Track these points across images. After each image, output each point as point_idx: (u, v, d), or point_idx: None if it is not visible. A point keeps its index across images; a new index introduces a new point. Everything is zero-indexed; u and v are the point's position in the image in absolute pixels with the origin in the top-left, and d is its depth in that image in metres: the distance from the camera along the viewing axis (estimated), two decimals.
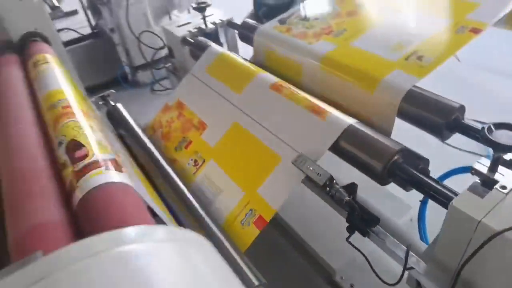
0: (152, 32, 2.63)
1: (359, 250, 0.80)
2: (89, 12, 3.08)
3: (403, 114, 0.86)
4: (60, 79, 0.82)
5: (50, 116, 0.68)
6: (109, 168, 0.53)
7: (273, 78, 0.99)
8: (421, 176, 0.69)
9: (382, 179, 0.73)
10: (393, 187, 1.36)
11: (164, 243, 0.30)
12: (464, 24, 0.94)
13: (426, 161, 0.75)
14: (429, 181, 0.68)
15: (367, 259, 0.79)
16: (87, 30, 3.05)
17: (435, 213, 0.83)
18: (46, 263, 0.30)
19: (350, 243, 0.77)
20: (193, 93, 1.16)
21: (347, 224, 0.78)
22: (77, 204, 0.48)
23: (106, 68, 2.78)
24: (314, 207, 1.19)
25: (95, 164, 0.53)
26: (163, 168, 0.93)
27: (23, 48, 1.07)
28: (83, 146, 0.56)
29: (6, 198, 0.53)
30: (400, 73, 0.86)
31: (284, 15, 1.24)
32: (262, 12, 1.65)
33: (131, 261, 0.29)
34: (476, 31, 0.89)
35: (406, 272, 0.70)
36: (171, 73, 1.58)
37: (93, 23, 3.06)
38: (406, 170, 0.70)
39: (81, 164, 0.53)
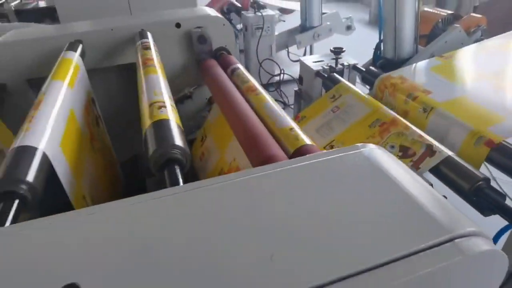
0: (272, 60, 3.13)
1: None
2: None
3: (491, 161, 1.13)
4: (250, 76, 1.25)
5: (253, 97, 1.10)
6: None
7: None
8: (501, 200, 0.97)
9: (467, 197, 1.01)
10: None
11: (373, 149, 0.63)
12: (483, 134, 1.07)
13: (503, 197, 1.02)
14: (508, 204, 0.95)
15: None
16: None
17: None
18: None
19: None
20: None
21: None
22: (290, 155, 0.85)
23: None
24: None
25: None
26: None
27: (216, 56, 1.54)
28: None
29: (244, 143, 0.92)
30: None
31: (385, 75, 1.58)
32: (380, 64, 2.01)
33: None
34: (490, 144, 1.05)
35: None
36: (298, 95, 1.98)
37: None
38: (489, 194, 0.98)
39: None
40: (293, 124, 0.94)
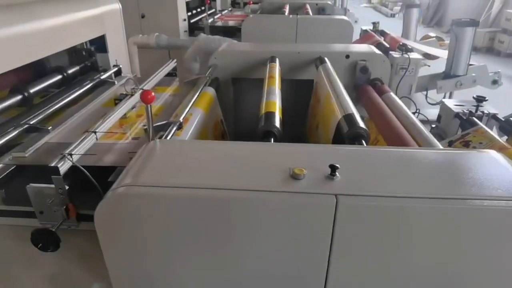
0: (410, 98, 3.35)
1: None
2: None
3: None
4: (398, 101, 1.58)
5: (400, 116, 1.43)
6: None
7: None
8: None
9: None
10: None
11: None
12: None
13: None
14: None
15: None
16: None
17: None
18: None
19: None
20: None
21: None
22: None
23: None
24: None
25: None
26: None
27: (371, 84, 1.91)
28: None
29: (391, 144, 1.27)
30: None
31: None
32: None
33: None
34: None
35: None
36: (433, 132, 2.22)
37: None
38: None
39: None
40: (428, 134, 1.25)
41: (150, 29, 3.17)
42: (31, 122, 1.33)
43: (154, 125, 1.24)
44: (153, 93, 0.91)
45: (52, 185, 0.97)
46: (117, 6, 2.05)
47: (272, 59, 1.81)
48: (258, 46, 2.11)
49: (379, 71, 1.94)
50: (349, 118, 1.10)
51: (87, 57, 1.97)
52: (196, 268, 0.76)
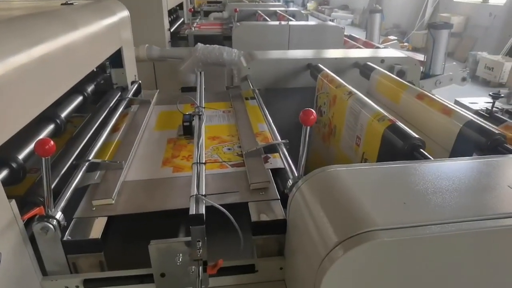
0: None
1: None
2: None
3: None
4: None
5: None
6: None
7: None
8: None
9: None
10: None
11: None
12: None
13: None
14: None
15: None
16: None
17: None
18: None
19: None
20: None
21: None
22: None
23: None
24: None
25: None
26: None
27: None
28: None
29: None
30: None
31: None
32: None
33: None
34: None
35: None
36: None
37: None
38: None
39: None
40: None
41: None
42: (90, 158, 1.08)
43: (263, 146, 1.09)
44: (313, 113, 0.77)
45: (183, 239, 0.77)
46: (127, 13, 1.81)
47: (316, 68, 1.72)
48: (291, 53, 2.01)
49: (411, 74, 1.94)
50: (476, 126, 1.05)
51: (100, 74, 1.71)
52: None
